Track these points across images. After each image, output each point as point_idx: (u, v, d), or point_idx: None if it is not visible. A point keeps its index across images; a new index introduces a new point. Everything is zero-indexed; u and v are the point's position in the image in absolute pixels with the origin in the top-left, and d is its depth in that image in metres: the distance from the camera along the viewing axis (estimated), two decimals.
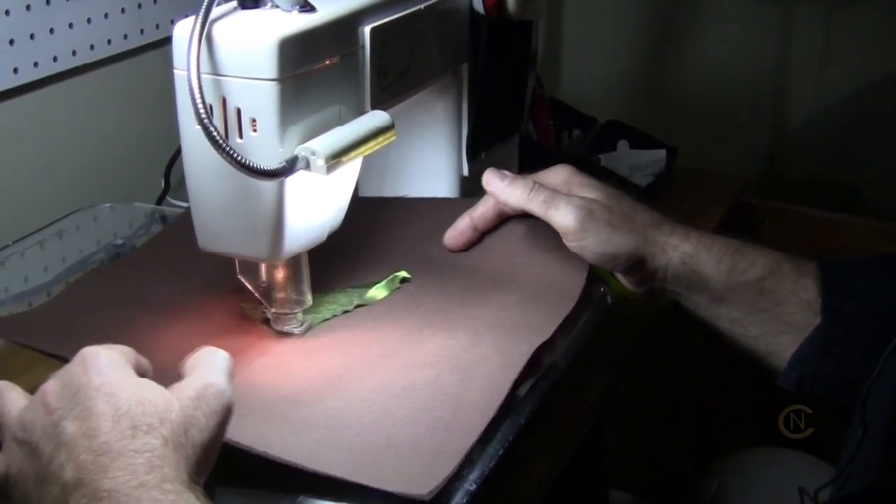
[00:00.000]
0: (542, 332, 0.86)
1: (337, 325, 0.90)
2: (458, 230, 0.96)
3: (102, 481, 0.60)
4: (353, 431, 0.75)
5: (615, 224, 0.90)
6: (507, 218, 0.97)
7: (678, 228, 0.92)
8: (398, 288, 0.94)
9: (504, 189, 0.93)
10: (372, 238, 0.99)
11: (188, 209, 0.84)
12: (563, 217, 0.89)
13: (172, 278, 0.97)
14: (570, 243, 0.90)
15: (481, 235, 0.97)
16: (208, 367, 0.69)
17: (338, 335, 0.89)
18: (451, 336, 0.86)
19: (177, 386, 0.67)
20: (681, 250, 0.91)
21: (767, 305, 0.90)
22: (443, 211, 0.99)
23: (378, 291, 0.93)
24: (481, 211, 0.96)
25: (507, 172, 0.94)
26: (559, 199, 0.90)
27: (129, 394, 0.64)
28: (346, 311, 0.91)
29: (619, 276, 0.94)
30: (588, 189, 0.93)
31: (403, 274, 0.95)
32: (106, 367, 0.66)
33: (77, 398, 0.64)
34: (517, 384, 0.80)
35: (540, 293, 0.91)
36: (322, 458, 0.72)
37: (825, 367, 0.88)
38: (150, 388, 0.66)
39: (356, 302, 0.92)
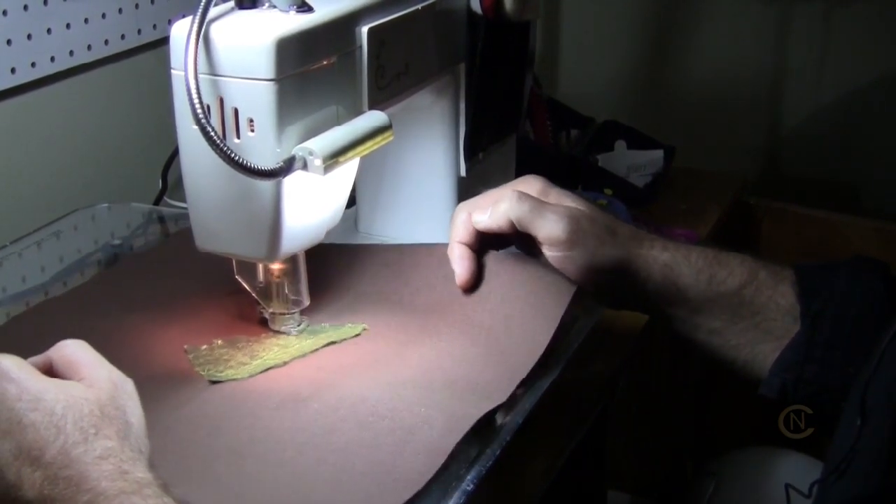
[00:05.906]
0: (498, 395, 0.79)
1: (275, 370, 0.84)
2: (460, 258, 0.88)
3: (78, 495, 0.58)
4: (265, 495, 0.69)
5: (601, 236, 0.87)
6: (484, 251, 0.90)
7: (656, 241, 0.90)
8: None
9: (490, 216, 0.87)
10: (334, 279, 0.93)
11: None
12: (551, 227, 0.86)
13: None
14: (556, 254, 0.87)
15: (479, 254, 0.90)
16: (88, 357, 0.65)
17: (273, 382, 0.82)
18: (398, 391, 0.79)
19: (84, 381, 0.63)
20: (660, 262, 0.89)
21: (746, 314, 0.90)
22: (412, 255, 0.94)
23: (333, 334, 0.88)
24: (461, 232, 0.89)
25: (481, 205, 0.89)
26: (546, 209, 0.87)
27: (54, 395, 0.60)
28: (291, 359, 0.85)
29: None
30: (567, 199, 0.89)
31: (362, 327, 0.89)
32: (15, 372, 0.60)
33: None
34: (456, 451, 0.73)
35: (508, 348, 0.85)
36: None
37: (808, 371, 0.88)
38: (69, 385, 0.62)
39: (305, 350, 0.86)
